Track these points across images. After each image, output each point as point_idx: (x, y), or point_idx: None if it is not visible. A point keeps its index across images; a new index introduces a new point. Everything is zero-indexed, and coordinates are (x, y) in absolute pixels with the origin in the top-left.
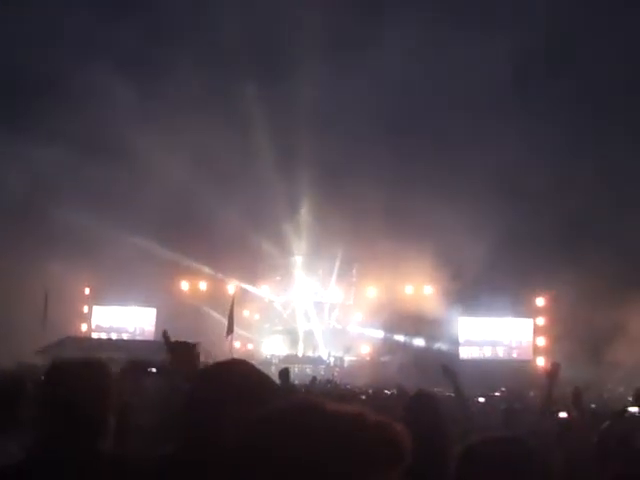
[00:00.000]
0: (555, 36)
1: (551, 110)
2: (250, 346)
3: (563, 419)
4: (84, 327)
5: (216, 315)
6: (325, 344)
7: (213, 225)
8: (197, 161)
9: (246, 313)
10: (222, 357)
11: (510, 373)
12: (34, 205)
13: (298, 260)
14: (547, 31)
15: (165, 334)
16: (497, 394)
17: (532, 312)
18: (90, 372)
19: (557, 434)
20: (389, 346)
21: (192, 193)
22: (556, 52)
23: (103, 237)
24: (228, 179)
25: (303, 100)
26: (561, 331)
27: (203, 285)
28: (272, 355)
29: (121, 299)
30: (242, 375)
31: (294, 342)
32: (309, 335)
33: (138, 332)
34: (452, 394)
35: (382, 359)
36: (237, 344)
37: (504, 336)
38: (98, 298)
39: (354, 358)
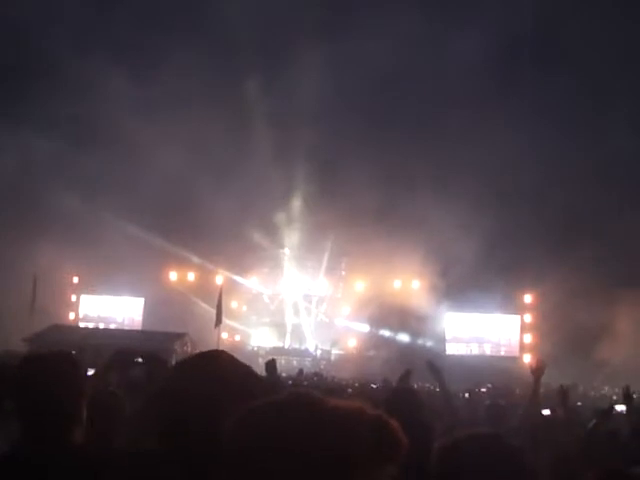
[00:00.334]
0: (546, 26)
1: (542, 108)
2: (237, 337)
3: (548, 416)
4: (72, 316)
5: (204, 306)
6: (312, 337)
7: (203, 215)
8: (189, 151)
9: (234, 304)
10: (209, 348)
11: (496, 369)
12: (23, 192)
13: (287, 252)
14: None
15: None
16: (483, 390)
17: (519, 309)
18: (60, 365)
19: (543, 431)
20: (375, 340)
21: (183, 183)
22: (550, 44)
23: (92, 226)
24: (220, 169)
25: (297, 92)
26: (548, 328)
27: (191, 276)
28: (259, 347)
29: (109, 289)
30: (221, 367)
31: (281, 334)
32: (296, 327)
33: (127, 322)
34: (437, 389)
35: (368, 353)
36: (224, 335)
37: (491, 333)
38: (86, 287)
39: (341, 351)
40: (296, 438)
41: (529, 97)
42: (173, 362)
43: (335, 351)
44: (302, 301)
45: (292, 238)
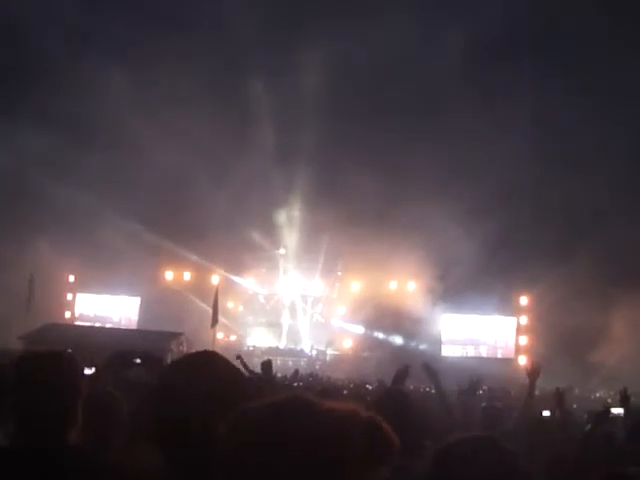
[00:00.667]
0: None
1: (539, 110)
2: (233, 337)
3: (546, 417)
4: (67, 314)
5: (200, 305)
6: (308, 337)
7: (200, 214)
8: (187, 150)
9: (230, 304)
10: (205, 348)
11: (492, 371)
12: (20, 191)
13: (284, 253)
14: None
15: None
16: (479, 392)
17: (515, 311)
18: (56, 364)
19: (538, 434)
20: (371, 341)
21: (180, 182)
22: (551, 44)
23: (88, 225)
24: (217, 169)
25: (295, 93)
26: (544, 330)
27: (187, 275)
28: (255, 347)
29: (105, 288)
30: (214, 367)
31: (277, 334)
32: (292, 328)
33: (124, 322)
34: (433, 391)
35: (364, 354)
36: (220, 335)
37: (487, 335)
38: (82, 286)
39: (336, 352)
40: (291, 439)
41: (526, 99)
42: (169, 362)
43: (330, 352)
44: (298, 301)
45: (288, 238)
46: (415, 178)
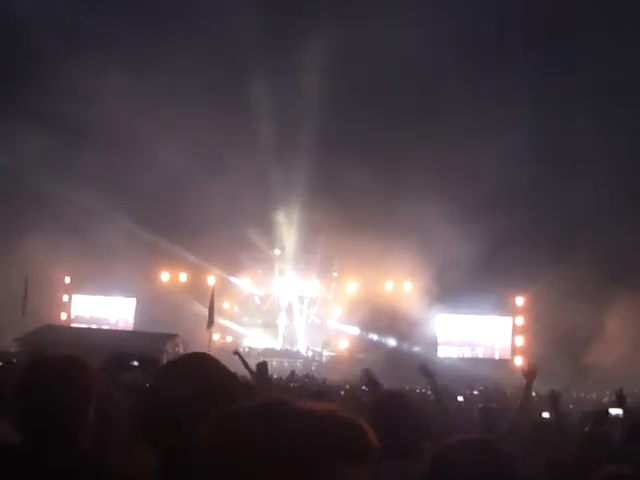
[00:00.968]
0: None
1: (536, 111)
2: (229, 338)
3: (545, 419)
4: (63, 316)
5: (195, 306)
6: (304, 338)
7: (196, 215)
8: (183, 151)
9: (226, 305)
10: (201, 349)
11: (488, 372)
12: (15, 192)
13: (280, 254)
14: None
15: None
16: (475, 393)
17: (511, 311)
18: (71, 370)
19: (535, 435)
20: (366, 343)
21: (177, 183)
22: (550, 45)
23: (84, 226)
24: (214, 168)
25: (292, 94)
26: (539, 330)
27: (183, 276)
28: (250, 348)
29: (101, 289)
30: (205, 369)
31: (273, 335)
32: (288, 329)
33: (120, 324)
34: (429, 392)
35: (360, 355)
36: (216, 336)
37: (483, 335)
38: (78, 287)
39: (332, 353)
40: (266, 440)
41: (524, 99)
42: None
43: (327, 353)
44: (294, 302)
45: (285, 239)
46: (411, 179)
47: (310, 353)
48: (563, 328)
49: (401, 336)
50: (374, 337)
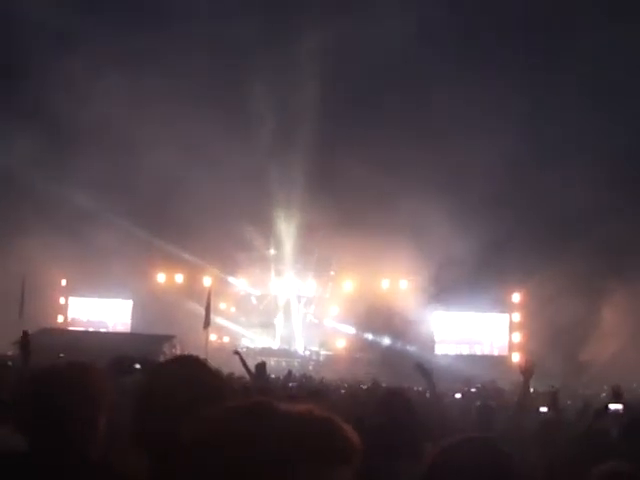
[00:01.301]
0: None
1: (533, 108)
2: (226, 339)
3: (543, 414)
4: (60, 319)
5: (192, 307)
6: (301, 338)
7: (192, 215)
8: (180, 152)
9: (223, 306)
10: (198, 350)
11: (486, 369)
12: (10, 194)
13: (276, 253)
14: None
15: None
16: (473, 390)
17: (508, 308)
18: (82, 377)
19: (537, 433)
20: (364, 342)
21: (173, 181)
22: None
23: (80, 228)
24: (210, 168)
25: (288, 92)
26: (536, 327)
27: (179, 277)
28: (248, 348)
29: (98, 291)
30: (193, 371)
31: (270, 335)
32: (285, 328)
33: (118, 327)
34: (425, 390)
35: (357, 354)
36: (213, 337)
37: (480, 332)
38: (74, 290)
39: (330, 352)
40: (244, 441)
41: (521, 98)
42: None
43: (324, 352)
44: (291, 302)
45: (281, 239)
46: (408, 178)
47: (307, 352)
48: (560, 324)
49: (398, 334)
50: (371, 336)
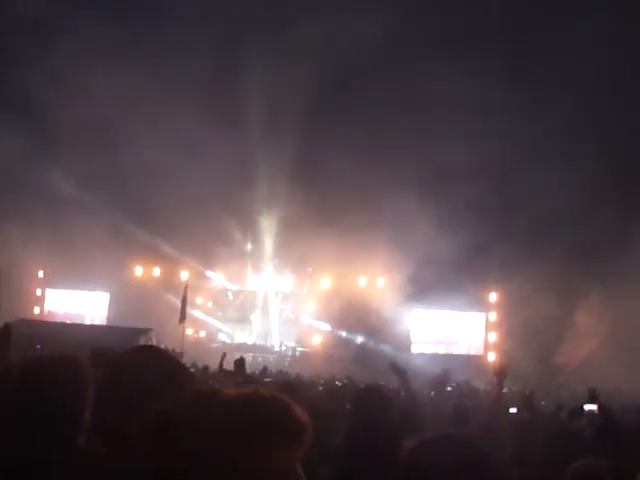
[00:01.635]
0: None
1: (520, 108)
2: (202, 333)
3: (514, 415)
4: (37, 310)
5: (169, 301)
6: (278, 334)
7: (172, 207)
8: (161, 141)
9: (199, 300)
10: (174, 343)
11: (461, 368)
12: None
13: (253, 248)
14: None
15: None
16: (448, 389)
17: (485, 307)
18: (69, 369)
19: (511, 432)
20: (340, 339)
21: (152, 174)
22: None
23: (57, 219)
24: (191, 161)
25: (272, 83)
26: (512, 327)
27: (157, 271)
28: (224, 343)
29: (74, 283)
30: (150, 360)
31: (247, 330)
32: (262, 324)
33: (95, 319)
34: (399, 388)
35: (333, 351)
36: (189, 331)
37: (457, 332)
38: (51, 281)
39: (306, 349)
40: (194, 426)
41: (503, 99)
42: None
43: (300, 348)
44: (268, 298)
45: (259, 234)
46: (388, 175)
47: (284, 348)
48: (535, 324)
49: (374, 332)
50: (346, 333)
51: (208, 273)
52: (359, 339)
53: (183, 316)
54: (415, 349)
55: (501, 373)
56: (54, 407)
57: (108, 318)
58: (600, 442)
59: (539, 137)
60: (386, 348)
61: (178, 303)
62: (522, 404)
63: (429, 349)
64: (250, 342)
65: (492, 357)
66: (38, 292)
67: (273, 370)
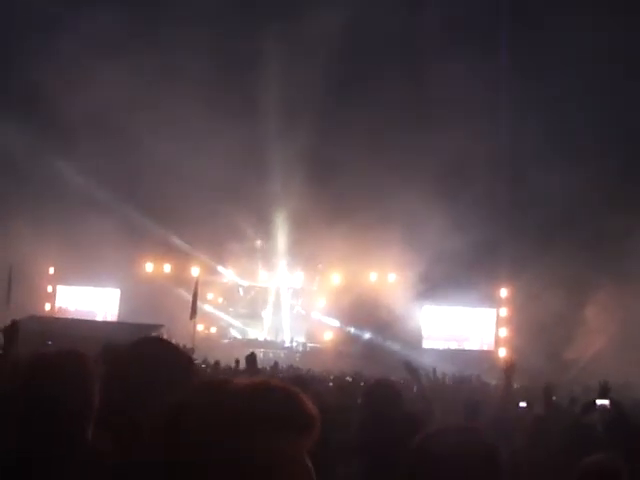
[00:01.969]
0: None
1: (523, 103)
2: (213, 329)
3: (523, 409)
4: (47, 307)
5: (180, 297)
6: (289, 329)
7: (184, 202)
8: (173, 139)
9: (210, 296)
10: (185, 340)
11: (472, 363)
12: None
13: (264, 244)
14: None
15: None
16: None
17: (495, 303)
18: (76, 365)
19: (521, 426)
20: (350, 335)
21: (165, 168)
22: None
23: (68, 216)
24: (202, 157)
25: (278, 81)
26: (523, 322)
27: (167, 267)
28: (235, 338)
29: (85, 280)
30: (151, 355)
31: (258, 327)
32: (273, 320)
33: (105, 316)
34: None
35: (344, 347)
36: (200, 327)
37: (468, 328)
38: (62, 278)
39: (317, 344)
40: (203, 424)
41: (506, 95)
42: None
43: (311, 344)
44: (279, 294)
45: (270, 230)
46: (400, 171)
47: (294, 344)
48: (545, 319)
49: (384, 328)
50: (356, 329)
51: (219, 268)
52: (369, 335)
53: (194, 312)
54: (426, 345)
55: (509, 370)
56: (59, 402)
57: (119, 314)
58: (611, 436)
59: (549, 135)
60: (397, 344)
61: (189, 299)
62: (540, 398)
63: (441, 345)
64: (261, 338)
65: (503, 353)
66: (49, 289)
67: (284, 366)
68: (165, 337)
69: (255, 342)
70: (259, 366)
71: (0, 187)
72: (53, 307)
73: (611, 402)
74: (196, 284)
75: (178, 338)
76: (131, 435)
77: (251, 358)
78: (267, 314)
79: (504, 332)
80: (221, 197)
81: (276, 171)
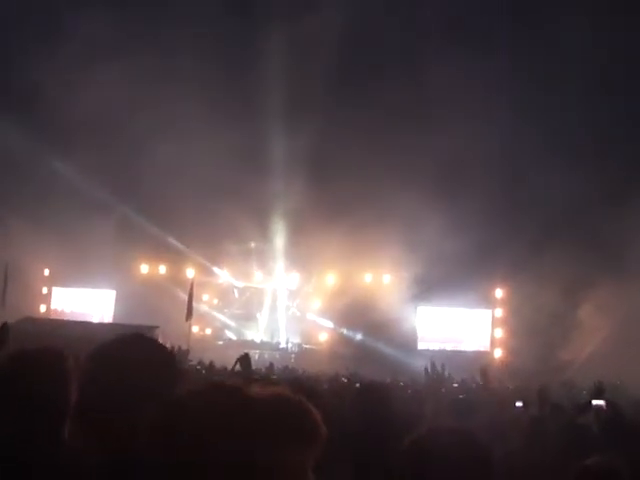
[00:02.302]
0: None
1: (519, 103)
2: (208, 330)
3: (519, 409)
4: (43, 308)
5: (175, 298)
6: (284, 330)
7: (182, 202)
8: (168, 136)
9: (205, 297)
10: (180, 341)
11: (467, 364)
12: None
13: (262, 245)
14: None
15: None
16: (455, 385)
17: (491, 304)
18: (52, 362)
19: (516, 426)
20: (345, 336)
21: (160, 168)
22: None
23: (63, 217)
24: (198, 156)
25: (273, 78)
26: (518, 323)
27: (162, 268)
28: (230, 340)
29: (80, 281)
30: (134, 354)
31: (253, 328)
32: (268, 321)
33: (101, 317)
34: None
35: (339, 348)
36: (195, 328)
37: (464, 329)
38: (57, 279)
39: (312, 346)
40: (219, 424)
41: (503, 93)
42: None
43: (306, 345)
44: (274, 295)
45: (268, 231)
46: (396, 172)
47: (289, 345)
48: (541, 320)
49: (379, 329)
50: (351, 331)
51: (214, 270)
52: (364, 336)
53: (190, 313)
54: (422, 346)
55: (484, 376)
56: (34, 399)
57: (114, 316)
58: (607, 437)
59: (549, 135)
60: (392, 345)
61: (184, 300)
62: (536, 399)
63: (436, 346)
64: (256, 339)
65: (498, 353)
66: (44, 290)
67: (279, 367)
68: (160, 338)
69: (250, 343)
70: (254, 367)
71: None
72: (48, 309)
73: (607, 402)
74: (191, 285)
75: (173, 339)
76: (111, 434)
77: (245, 360)
78: (262, 315)
79: (499, 333)
80: (217, 198)
81: (272, 172)
